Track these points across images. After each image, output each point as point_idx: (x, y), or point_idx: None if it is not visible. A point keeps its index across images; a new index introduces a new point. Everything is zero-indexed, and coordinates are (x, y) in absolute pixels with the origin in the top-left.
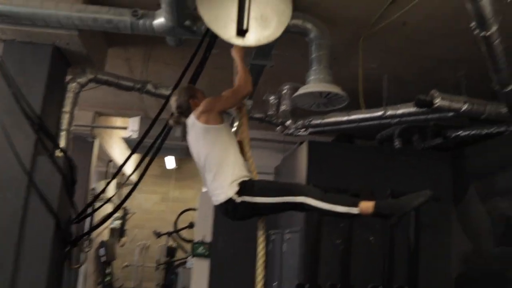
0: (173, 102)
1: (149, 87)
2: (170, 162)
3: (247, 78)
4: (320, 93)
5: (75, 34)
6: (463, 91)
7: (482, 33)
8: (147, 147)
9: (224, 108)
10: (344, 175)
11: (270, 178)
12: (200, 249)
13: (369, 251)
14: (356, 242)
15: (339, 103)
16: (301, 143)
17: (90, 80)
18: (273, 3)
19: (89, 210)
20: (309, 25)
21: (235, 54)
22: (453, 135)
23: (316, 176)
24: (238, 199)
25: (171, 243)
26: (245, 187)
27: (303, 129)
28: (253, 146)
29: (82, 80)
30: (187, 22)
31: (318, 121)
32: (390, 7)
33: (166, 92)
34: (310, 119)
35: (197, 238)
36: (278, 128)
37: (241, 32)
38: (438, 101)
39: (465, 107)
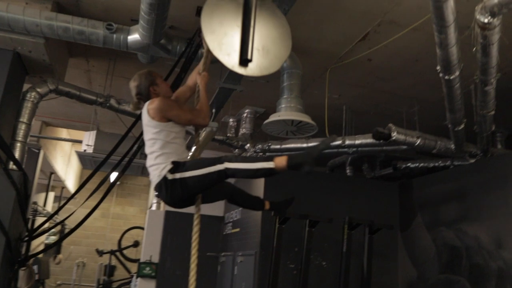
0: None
1: (112, 102)
2: (114, 177)
3: (207, 112)
4: (292, 121)
5: (42, 42)
6: (416, 126)
7: (446, 77)
8: (101, 163)
9: (172, 119)
10: (299, 199)
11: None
12: (147, 270)
13: (322, 276)
14: (310, 267)
15: (308, 131)
16: None
17: (51, 91)
18: (274, 37)
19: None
20: None
21: (200, 81)
22: (403, 166)
23: (272, 199)
24: (170, 176)
25: (111, 261)
26: (177, 166)
27: (261, 153)
28: None
29: (43, 90)
30: (163, 41)
31: (277, 146)
32: (359, 44)
33: (129, 108)
34: (269, 144)
35: (143, 258)
36: (236, 150)
37: (244, 61)
38: (395, 135)
39: (418, 141)
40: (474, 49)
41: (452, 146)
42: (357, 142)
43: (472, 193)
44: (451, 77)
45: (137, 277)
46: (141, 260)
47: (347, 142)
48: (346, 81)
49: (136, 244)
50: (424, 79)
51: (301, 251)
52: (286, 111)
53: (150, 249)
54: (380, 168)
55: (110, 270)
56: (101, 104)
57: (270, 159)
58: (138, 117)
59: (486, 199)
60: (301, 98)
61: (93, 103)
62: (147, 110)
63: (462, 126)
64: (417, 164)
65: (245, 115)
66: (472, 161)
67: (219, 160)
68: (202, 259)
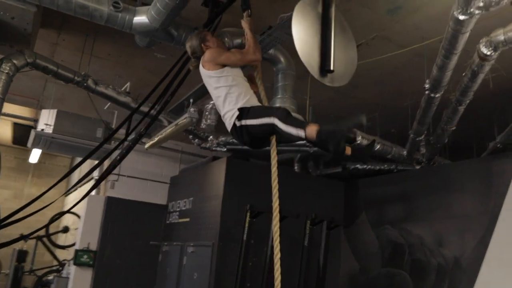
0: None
1: (90, 82)
2: (35, 155)
3: (256, 47)
4: None
5: (33, 10)
6: (377, 132)
7: (432, 94)
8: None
9: (225, 63)
10: (256, 192)
11: (166, 187)
12: (84, 258)
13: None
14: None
15: None
16: (215, 158)
17: (28, 64)
18: (344, 49)
19: None
20: (280, 56)
21: (244, 25)
22: (352, 167)
23: (232, 192)
24: (238, 123)
25: (21, 246)
26: (242, 113)
27: (223, 146)
28: (152, 153)
29: (19, 62)
30: (170, 27)
31: None
32: None
33: (106, 90)
34: (232, 137)
35: (80, 245)
36: (195, 140)
37: (326, 71)
38: (359, 139)
39: (378, 146)
40: (464, 74)
41: (405, 153)
42: None
43: (417, 196)
44: (436, 95)
45: (69, 265)
46: (78, 248)
47: None
48: (321, 84)
49: (65, 229)
50: (391, 89)
51: (258, 243)
52: None
53: (87, 236)
54: (323, 166)
55: (21, 255)
56: (77, 83)
57: (303, 126)
58: (135, 110)
59: (429, 202)
60: (294, 99)
61: (70, 81)
62: (202, 66)
63: (422, 136)
64: (365, 166)
65: (210, 106)
66: (418, 167)
67: (272, 113)
68: (144, 247)
